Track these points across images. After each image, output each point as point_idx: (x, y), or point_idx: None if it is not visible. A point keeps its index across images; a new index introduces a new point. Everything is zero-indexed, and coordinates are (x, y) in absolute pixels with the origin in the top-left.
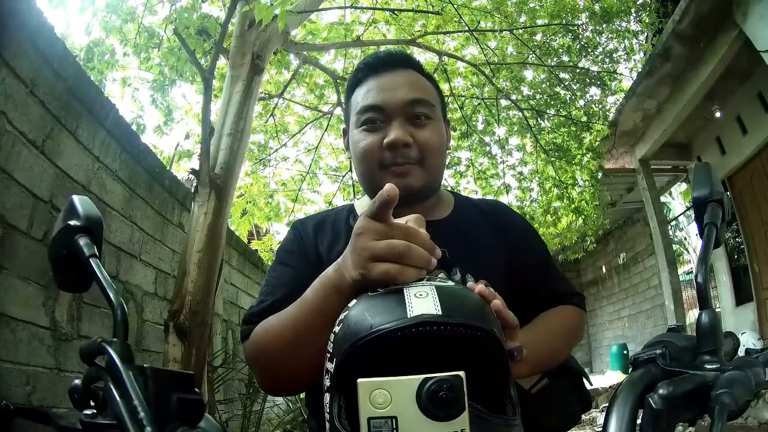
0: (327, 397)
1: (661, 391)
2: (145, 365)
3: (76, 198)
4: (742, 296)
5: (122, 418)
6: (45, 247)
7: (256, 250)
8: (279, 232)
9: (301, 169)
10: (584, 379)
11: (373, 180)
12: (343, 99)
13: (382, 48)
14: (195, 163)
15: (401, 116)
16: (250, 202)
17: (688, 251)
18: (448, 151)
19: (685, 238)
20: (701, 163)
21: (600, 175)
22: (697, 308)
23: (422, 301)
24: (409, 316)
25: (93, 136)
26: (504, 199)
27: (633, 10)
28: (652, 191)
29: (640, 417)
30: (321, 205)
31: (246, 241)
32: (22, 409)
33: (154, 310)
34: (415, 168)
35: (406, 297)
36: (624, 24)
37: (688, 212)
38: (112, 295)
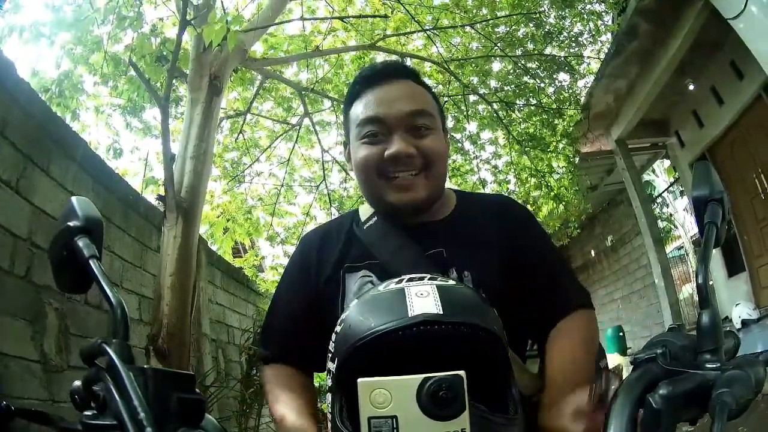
0: (329, 396)
1: (661, 391)
2: (145, 365)
3: (75, 199)
4: (733, 267)
5: (122, 418)
6: (28, 283)
7: (241, 267)
8: (261, 247)
9: (276, 183)
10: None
11: (376, 191)
12: (310, 109)
13: (374, 56)
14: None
15: (402, 128)
16: (229, 219)
17: (676, 227)
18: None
19: (672, 215)
20: (701, 162)
21: (577, 160)
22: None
23: (423, 300)
24: (409, 315)
25: (65, 171)
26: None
27: None
28: (632, 171)
29: (641, 417)
30: (299, 217)
31: (232, 258)
32: (22, 410)
33: (140, 336)
34: (419, 179)
35: (407, 296)
36: (587, 6)
37: (671, 188)
38: (111, 296)
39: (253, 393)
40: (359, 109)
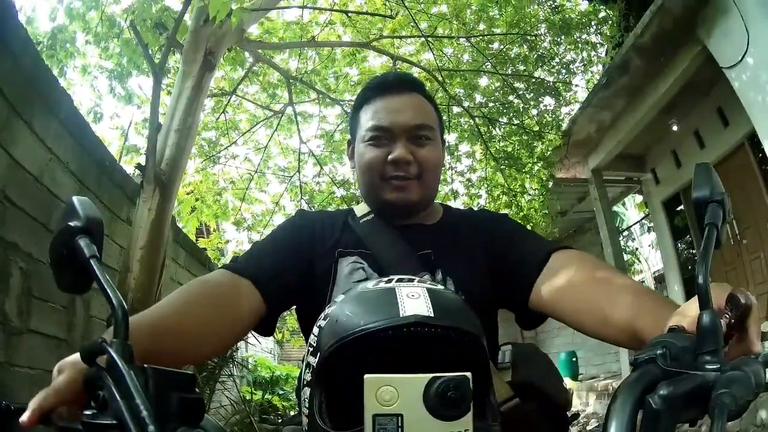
0: (306, 391)
1: (661, 392)
2: (145, 365)
3: (75, 199)
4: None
5: (123, 418)
6: None
7: (204, 249)
8: (226, 230)
9: (250, 168)
10: (560, 404)
11: (374, 189)
12: (295, 99)
13: (367, 54)
14: (143, 159)
15: (405, 137)
16: (198, 199)
17: (639, 261)
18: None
19: (637, 249)
20: (702, 163)
21: (550, 184)
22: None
23: (414, 302)
24: (401, 315)
25: (47, 127)
26: (451, 205)
27: (594, 23)
28: (604, 201)
29: (641, 417)
30: (268, 206)
31: (194, 238)
32: (22, 410)
33: (101, 306)
34: (414, 183)
35: (398, 296)
36: (584, 36)
37: (642, 222)
38: (112, 296)
39: (205, 377)
40: (369, 114)
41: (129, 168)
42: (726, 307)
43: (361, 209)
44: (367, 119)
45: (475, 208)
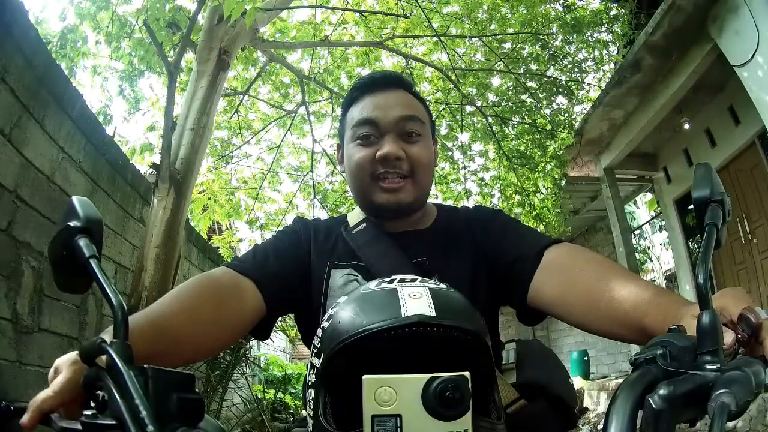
0: (311, 393)
1: (661, 392)
2: (145, 365)
3: (75, 199)
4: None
5: (123, 418)
6: (8, 237)
7: (217, 247)
8: (239, 229)
9: (263, 167)
10: (567, 402)
11: (365, 191)
12: (308, 98)
13: (380, 54)
14: (157, 157)
15: (394, 132)
16: (211, 198)
17: (651, 260)
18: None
19: (649, 247)
20: (702, 163)
21: (563, 182)
22: None
23: (416, 302)
24: (403, 316)
25: (59, 126)
26: (464, 204)
27: (605, 21)
28: (616, 200)
29: (641, 417)
30: (281, 204)
31: (207, 237)
32: (22, 410)
33: None
34: (406, 182)
35: (399, 296)
36: (595, 34)
37: (653, 221)
38: (112, 296)
39: (218, 376)
40: (355, 113)
41: (141, 167)
42: (738, 327)
43: (354, 217)
44: (354, 117)
45: (469, 205)
